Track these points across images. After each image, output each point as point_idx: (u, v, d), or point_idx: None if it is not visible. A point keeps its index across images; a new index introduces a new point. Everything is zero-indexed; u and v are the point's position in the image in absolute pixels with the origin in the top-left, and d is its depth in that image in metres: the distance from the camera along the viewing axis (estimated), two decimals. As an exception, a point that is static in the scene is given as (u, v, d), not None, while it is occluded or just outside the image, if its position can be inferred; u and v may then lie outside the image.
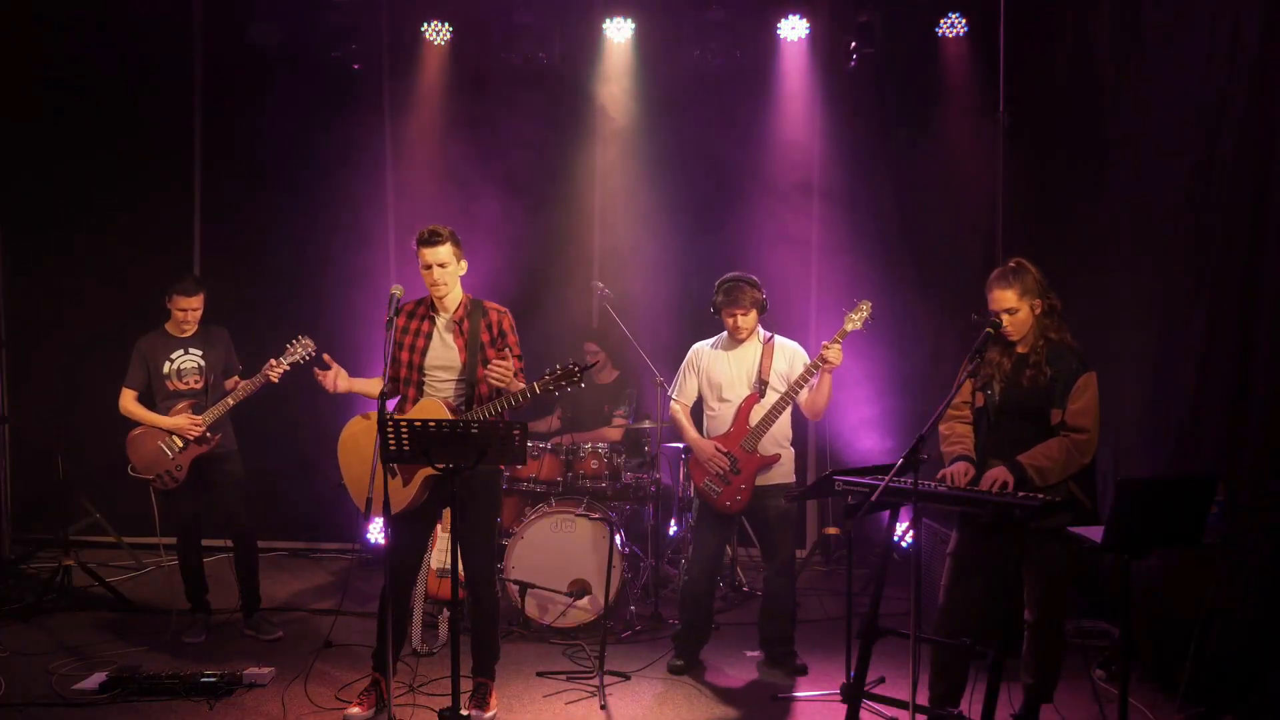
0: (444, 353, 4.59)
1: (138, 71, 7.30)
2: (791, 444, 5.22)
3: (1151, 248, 5.13)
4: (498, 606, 4.78)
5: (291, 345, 5.49)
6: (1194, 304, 4.63)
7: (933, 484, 4.09)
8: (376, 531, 6.79)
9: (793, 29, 7.23)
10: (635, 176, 7.37)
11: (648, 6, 7.19)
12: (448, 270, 4.54)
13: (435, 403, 4.53)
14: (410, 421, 4.12)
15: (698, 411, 5.32)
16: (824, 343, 4.92)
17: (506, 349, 4.61)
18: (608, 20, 7.27)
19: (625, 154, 7.46)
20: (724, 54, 7.19)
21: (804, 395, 5.06)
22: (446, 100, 7.36)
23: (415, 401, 4.57)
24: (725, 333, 5.23)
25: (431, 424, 4.12)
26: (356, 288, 7.11)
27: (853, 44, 7.04)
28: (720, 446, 5.09)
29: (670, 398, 5.34)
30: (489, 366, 4.43)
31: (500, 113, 7.29)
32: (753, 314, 5.11)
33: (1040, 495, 3.92)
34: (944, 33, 7.08)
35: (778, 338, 5.21)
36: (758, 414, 5.07)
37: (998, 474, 3.99)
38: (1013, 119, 6.87)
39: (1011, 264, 4.23)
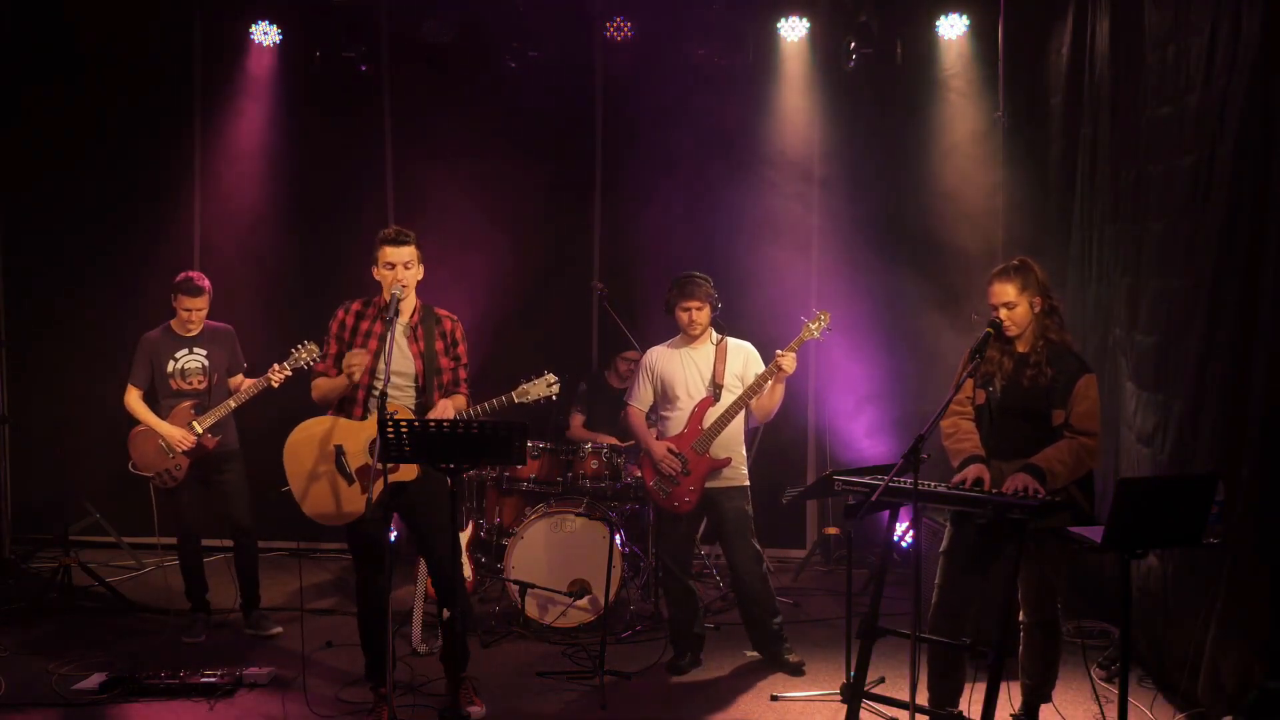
0: (399, 359, 4.50)
1: (138, 71, 7.29)
2: (748, 448, 5.27)
3: (1151, 247, 5.13)
4: (470, 608, 4.73)
5: (296, 350, 5.48)
6: (1194, 304, 4.63)
7: (934, 484, 4.09)
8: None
9: (793, 29, 7.22)
10: (635, 176, 7.35)
11: (647, 6, 7.18)
12: (410, 272, 4.50)
13: (403, 409, 4.48)
14: (411, 422, 4.12)
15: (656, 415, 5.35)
16: (779, 351, 4.95)
17: (456, 358, 4.59)
18: (607, 20, 7.25)
19: (625, 154, 7.45)
20: (724, 54, 7.18)
21: (755, 400, 5.08)
22: (447, 100, 7.36)
23: (365, 404, 4.48)
24: (679, 335, 5.26)
25: (432, 424, 4.13)
26: (357, 287, 7.10)
27: (852, 43, 7.03)
28: (672, 448, 5.11)
29: (626, 402, 5.37)
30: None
31: (500, 112, 7.28)
32: (706, 309, 5.13)
33: (1039, 495, 3.92)
34: (944, 32, 7.07)
35: (730, 339, 5.25)
36: (711, 417, 5.10)
37: (1024, 480, 3.98)
38: (1012, 119, 6.87)
39: (1015, 261, 4.26)
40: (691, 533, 5.44)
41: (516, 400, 4.58)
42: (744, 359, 5.20)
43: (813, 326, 5.00)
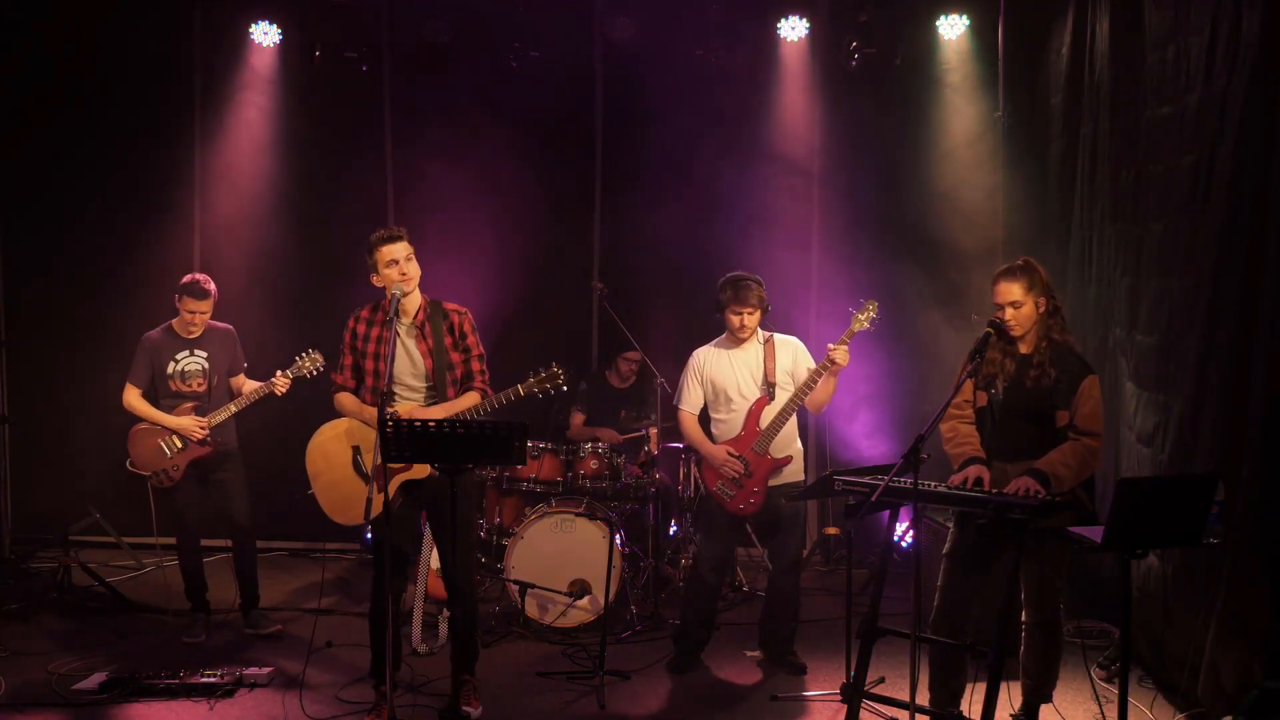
0: (407, 361, 4.51)
1: (138, 71, 7.29)
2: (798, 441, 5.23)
3: (1151, 247, 5.13)
4: (477, 607, 4.76)
5: (300, 358, 5.48)
6: (1194, 304, 4.63)
7: (935, 484, 4.09)
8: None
9: (793, 29, 7.22)
10: (635, 176, 7.36)
11: (647, 7, 7.18)
12: (412, 265, 4.49)
13: (413, 407, 4.49)
14: (411, 422, 4.12)
15: (703, 417, 5.31)
16: (830, 344, 4.92)
17: (465, 350, 4.58)
18: (607, 20, 7.25)
19: (625, 154, 7.46)
20: (724, 54, 7.18)
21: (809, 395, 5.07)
22: (447, 100, 7.36)
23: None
24: (724, 335, 5.22)
25: (432, 424, 4.13)
26: (356, 286, 7.10)
27: (853, 43, 7.04)
28: (732, 451, 5.09)
29: (676, 406, 5.32)
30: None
31: (500, 113, 7.28)
32: (758, 314, 5.09)
33: (1040, 497, 3.92)
34: (944, 32, 7.07)
35: (776, 335, 5.21)
36: (768, 416, 5.06)
37: (1027, 483, 3.98)
38: (1012, 118, 6.87)
39: (1020, 261, 4.25)
40: (737, 535, 5.42)
41: (524, 394, 4.53)
42: (793, 354, 5.16)
43: (861, 317, 4.95)
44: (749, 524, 5.77)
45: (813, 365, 5.11)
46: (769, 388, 5.10)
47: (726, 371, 5.16)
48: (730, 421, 5.16)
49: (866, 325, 4.96)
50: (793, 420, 5.13)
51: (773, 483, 5.11)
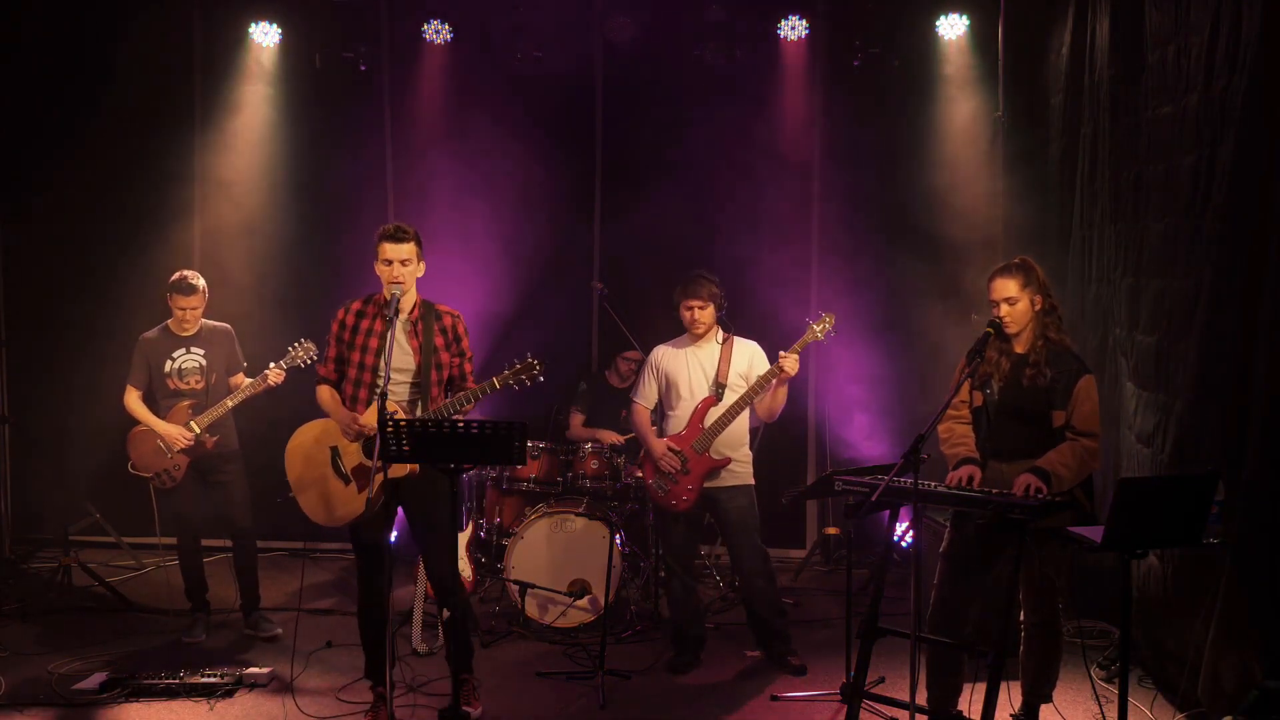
0: (399, 356, 4.51)
1: (138, 71, 7.29)
2: (750, 447, 5.27)
3: (1151, 247, 5.13)
4: (468, 602, 4.76)
5: (293, 348, 5.50)
6: (1194, 304, 4.63)
7: (934, 484, 4.09)
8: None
9: (793, 29, 7.22)
10: (635, 176, 7.36)
11: (647, 7, 7.18)
12: (408, 269, 4.48)
13: (393, 404, 4.46)
14: (410, 421, 4.11)
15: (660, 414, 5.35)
16: (781, 353, 4.97)
17: (461, 354, 4.60)
18: (607, 20, 7.25)
19: (625, 153, 7.46)
20: (724, 53, 7.18)
21: (758, 400, 5.10)
22: (447, 100, 7.36)
23: (367, 404, 4.47)
24: (685, 334, 5.27)
25: (431, 424, 4.12)
26: (356, 287, 7.09)
27: (853, 43, 7.04)
28: (673, 446, 5.12)
29: (631, 398, 5.39)
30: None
31: (500, 113, 7.28)
32: (710, 308, 5.14)
33: (1042, 495, 3.92)
34: (944, 32, 7.07)
35: (736, 338, 5.26)
36: (712, 416, 5.10)
37: (1029, 480, 3.98)
38: (1012, 119, 6.87)
39: (1016, 260, 4.26)
40: (692, 532, 5.44)
41: (499, 386, 4.49)
42: (749, 358, 5.20)
43: (817, 329, 5.02)
44: (711, 522, 5.77)
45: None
46: (718, 388, 5.15)
47: (681, 368, 5.21)
48: (677, 418, 5.22)
49: (820, 338, 5.04)
50: (741, 424, 5.16)
51: (711, 484, 5.14)
